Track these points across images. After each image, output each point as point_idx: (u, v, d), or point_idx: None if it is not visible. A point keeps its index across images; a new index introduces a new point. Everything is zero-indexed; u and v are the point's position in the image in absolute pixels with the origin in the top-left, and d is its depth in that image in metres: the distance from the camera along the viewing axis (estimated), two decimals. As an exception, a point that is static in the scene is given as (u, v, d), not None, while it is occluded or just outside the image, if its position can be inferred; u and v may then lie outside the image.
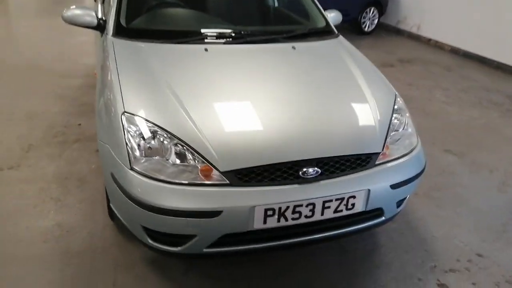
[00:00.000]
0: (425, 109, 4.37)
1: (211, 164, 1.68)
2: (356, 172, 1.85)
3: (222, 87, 2.02)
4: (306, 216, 1.76)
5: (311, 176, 1.76)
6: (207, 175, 1.69)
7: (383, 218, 2.01)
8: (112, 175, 1.80)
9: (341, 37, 2.76)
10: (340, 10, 7.61)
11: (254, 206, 1.66)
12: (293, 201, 1.71)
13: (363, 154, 1.89)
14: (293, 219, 1.74)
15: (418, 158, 2.07)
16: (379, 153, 1.92)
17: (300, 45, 2.49)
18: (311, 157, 1.77)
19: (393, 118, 2.09)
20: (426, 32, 7.40)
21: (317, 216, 1.78)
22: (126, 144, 1.73)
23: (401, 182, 1.92)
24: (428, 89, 5.01)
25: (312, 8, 2.95)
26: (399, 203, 2.06)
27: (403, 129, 2.11)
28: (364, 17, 7.60)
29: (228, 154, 1.71)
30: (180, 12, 2.75)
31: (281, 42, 2.50)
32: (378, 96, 2.17)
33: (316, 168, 1.76)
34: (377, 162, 1.91)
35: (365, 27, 7.70)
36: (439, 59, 6.35)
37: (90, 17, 2.48)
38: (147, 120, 1.77)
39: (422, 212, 2.64)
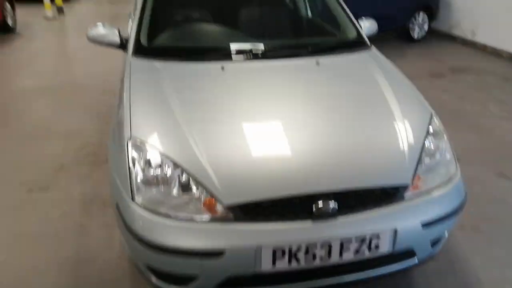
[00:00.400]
0: (477, 125, 3.96)
1: (214, 196, 1.54)
2: (380, 207, 1.63)
3: (234, 110, 1.89)
4: (321, 258, 1.57)
5: (326, 212, 1.56)
6: (211, 209, 1.56)
7: (416, 260, 1.76)
8: (117, 206, 1.72)
9: (374, 49, 2.54)
10: (386, 17, 7.29)
11: (261, 246, 1.50)
12: (306, 240, 1.53)
13: (389, 186, 1.66)
14: (306, 261, 1.56)
15: (457, 190, 1.80)
16: (408, 185, 1.69)
17: (325, 60, 2.30)
18: (327, 189, 1.58)
19: (426, 143, 1.84)
20: (482, 38, 6.84)
21: (335, 258, 1.58)
22: (130, 172, 1.65)
23: (434, 219, 1.67)
24: (482, 102, 4.56)
25: (343, 18, 2.75)
26: (435, 242, 1.80)
27: (439, 155, 1.86)
28: (413, 23, 7.19)
29: (233, 185, 1.56)
30: (202, 27, 2.68)
31: (305, 57, 2.33)
32: (410, 117, 1.94)
33: (332, 202, 1.56)
34: (405, 196, 1.67)
35: (414, 33, 7.27)
36: (496, 68, 5.81)
37: (114, 36, 2.48)
38: (153, 148, 1.68)
39: (468, 248, 2.32)
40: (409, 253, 1.72)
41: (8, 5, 7.56)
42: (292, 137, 1.75)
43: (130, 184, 1.62)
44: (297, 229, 1.55)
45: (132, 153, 1.68)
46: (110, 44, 2.51)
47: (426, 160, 1.80)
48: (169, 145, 1.68)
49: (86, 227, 2.49)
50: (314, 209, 1.55)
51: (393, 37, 7.36)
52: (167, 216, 1.55)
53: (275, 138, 1.74)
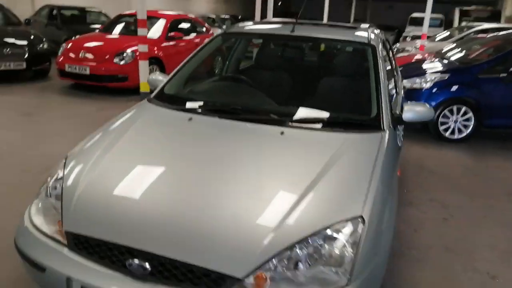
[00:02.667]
0: None
1: (62, 218, 1.68)
2: None
3: (156, 157, 1.94)
4: None
5: (137, 271, 1.50)
6: (60, 230, 1.70)
7: None
8: None
9: (379, 135, 2.09)
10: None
11: (72, 279, 1.54)
12: None
13: (213, 271, 1.43)
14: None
15: None
16: (237, 279, 1.40)
17: (292, 132, 2.09)
18: (141, 247, 1.52)
19: (311, 245, 1.47)
20: None
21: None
22: (46, 181, 1.91)
23: None
24: None
25: (370, 97, 2.38)
26: None
27: (326, 265, 1.46)
28: None
29: (79, 215, 1.67)
30: (221, 86, 2.84)
31: (273, 124, 2.13)
32: (316, 209, 1.58)
33: (144, 264, 1.49)
34: None
35: None
36: None
37: (160, 82, 2.74)
38: (65, 167, 1.91)
39: None
40: None
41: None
42: (167, 193, 1.70)
43: (39, 192, 1.91)
44: (106, 276, 1.52)
45: (59, 167, 1.98)
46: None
47: (300, 264, 1.45)
48: (73, 168, 1.88)
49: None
50: (127, 264, 1.51)
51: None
52: (36, 228, 1.74)
53: (152, 191, 1.71)
